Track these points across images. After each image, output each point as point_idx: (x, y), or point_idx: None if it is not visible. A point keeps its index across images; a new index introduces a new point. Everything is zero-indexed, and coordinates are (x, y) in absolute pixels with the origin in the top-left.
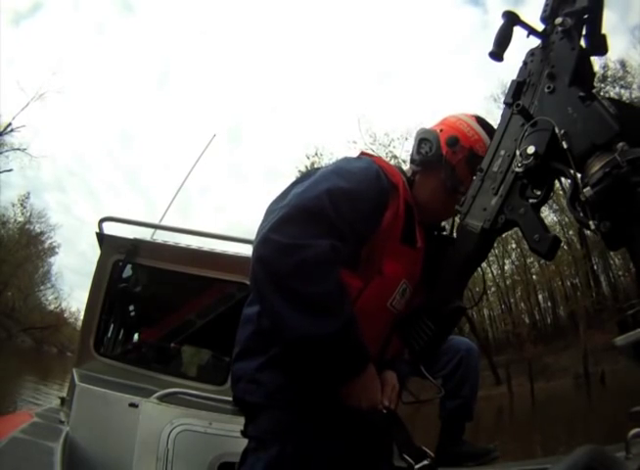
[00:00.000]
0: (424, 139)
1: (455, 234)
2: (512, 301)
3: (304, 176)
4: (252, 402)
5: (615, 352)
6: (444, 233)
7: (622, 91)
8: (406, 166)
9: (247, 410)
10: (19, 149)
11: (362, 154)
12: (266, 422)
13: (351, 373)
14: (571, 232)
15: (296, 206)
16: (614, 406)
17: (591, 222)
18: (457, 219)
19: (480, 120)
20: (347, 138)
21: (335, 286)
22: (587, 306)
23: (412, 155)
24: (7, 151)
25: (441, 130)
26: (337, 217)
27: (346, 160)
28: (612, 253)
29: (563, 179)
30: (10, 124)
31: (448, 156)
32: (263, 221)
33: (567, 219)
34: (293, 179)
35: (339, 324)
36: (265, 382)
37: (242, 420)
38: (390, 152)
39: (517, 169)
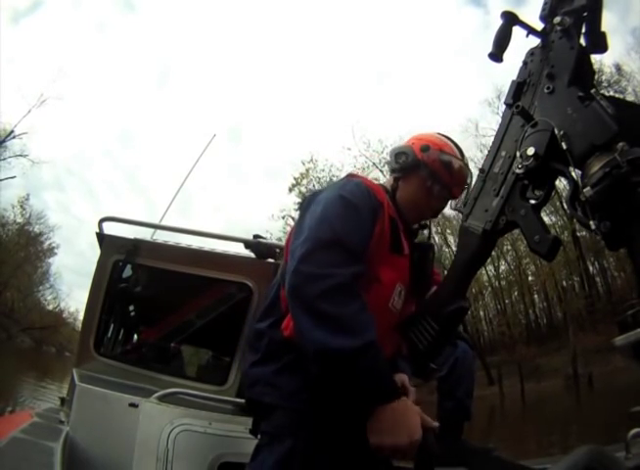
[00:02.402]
0: (400, 152)
1: (452, 236)
2: (507, 302)
3: (309, 203)
4: (269, 404)
5: (605, 354)
6: (424, 241)
7: (617, 95)
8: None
9: (261, 410)
10: (21, 155)
11: (350, 176)
12: (280, 419)
13: (375, 398)
14: (565, 233)
15: (315, 238)
16: (598, 408)
17: (591, 222)
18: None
19: (442, 134)
20: (343, 143)
21: (358, 310)
22: (580, 308)
23: (391, 167)
24: (9, 157)
25: (413, 143)
26: (350, 242)
27: (341, 185)
28: (607, 255)
29: (558, 182)
30: (12, 132)
31: (424, 159)
32: (290, 259)
33: (561, 222)
34: (290, 181)
35: (359, 343)
36: (281, 385)
37: (242, 420)
38: (384, 158)
39: (517, 171)
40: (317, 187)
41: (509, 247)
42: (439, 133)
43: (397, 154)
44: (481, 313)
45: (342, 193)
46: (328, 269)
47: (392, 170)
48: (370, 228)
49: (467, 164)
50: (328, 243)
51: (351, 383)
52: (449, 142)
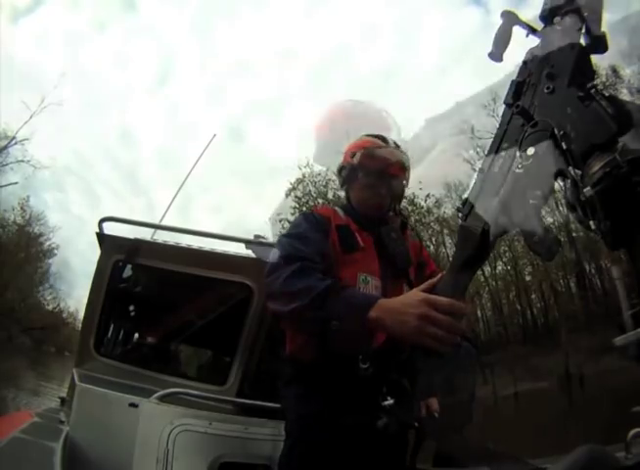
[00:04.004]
0: (340, 168)
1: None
2: (504, 302)
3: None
4: (283, 410)
5: (599, 355)
6: (384, 226)
7: None
8: None
9: (283, 416)
10: (22, 161)
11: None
12: (289, 421)
13: (356, 314)
14: (561, 234)
15: (277, 256)
16: (587, 409)
17: (591, 222)
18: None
19: (369, 134)
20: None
21: (316, 279)
22: (575, 309)
23: (340, 183)
24: (11, 163)
25: (344, 155)
26: (305, 252)
27: (294, 220)
28: (603, 256)
29: (556, 183)
30: (14, 138)
31: (355, 161)
32: None
33: (557, 223)
34: (289, 183)
35: (324, 284)
36: (287, 395)
37: (242, 420)
38: None
39: (517, 171)
40: (313, 191)
41: (506, 248)
42: (366, 134)
43: (339, 170)
44: (479, 313)
45: (295, 223)
46: (282, 271)
47: (342, 184)
48: (321, 239)
49: (397, 145)
50: (282, 257)
51: (335, 316)
52: (369, 137)
